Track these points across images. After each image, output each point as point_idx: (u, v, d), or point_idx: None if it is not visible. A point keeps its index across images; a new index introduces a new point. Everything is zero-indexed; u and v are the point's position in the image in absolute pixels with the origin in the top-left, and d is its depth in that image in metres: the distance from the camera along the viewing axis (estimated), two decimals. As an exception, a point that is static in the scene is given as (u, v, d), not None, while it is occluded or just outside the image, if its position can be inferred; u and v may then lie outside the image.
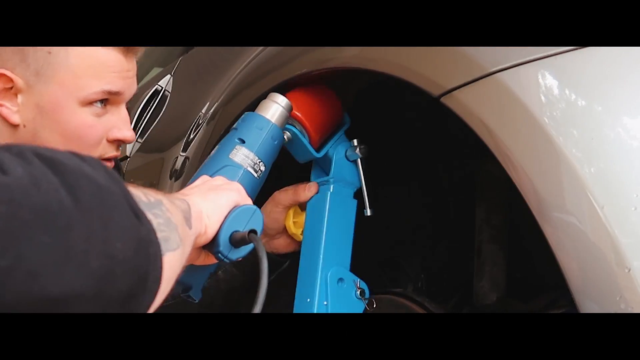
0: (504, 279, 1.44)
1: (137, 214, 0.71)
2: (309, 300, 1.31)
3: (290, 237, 1.48)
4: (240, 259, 1.07)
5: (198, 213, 0.98)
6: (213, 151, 1.30)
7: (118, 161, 1.55)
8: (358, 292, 1.35)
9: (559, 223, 0.89)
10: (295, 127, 1.35)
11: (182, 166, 1.86)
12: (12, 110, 1.19)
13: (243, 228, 1.06)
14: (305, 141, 1.36)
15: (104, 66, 1.19)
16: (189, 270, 1.10)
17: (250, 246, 1.06)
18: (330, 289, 1.32)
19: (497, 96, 0.95)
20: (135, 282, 0.69)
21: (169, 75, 2.42)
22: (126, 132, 1.27)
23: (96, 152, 1.25)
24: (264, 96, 1.44)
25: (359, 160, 1.40)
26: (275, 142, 1.30)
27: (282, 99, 1.32)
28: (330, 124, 1.41)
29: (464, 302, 1.55)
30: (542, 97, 0.91)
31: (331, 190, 1.39)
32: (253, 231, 1.05)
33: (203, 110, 1.85)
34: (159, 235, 0.74)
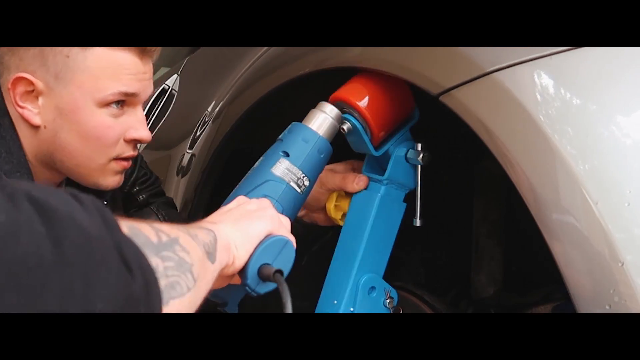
0: (501, 272, 1.44)
1: (129, 267, 0.63)
2: (335, 302, 1.24)
3: None
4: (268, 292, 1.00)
5: (225, 245, 0.92)
6: (257, 163, 1.21)
7: (140, 156, 1.54)
8: (387, 301, 1.27)
9: (554, 219, 0.89)
10: (356, 119, 1.21)
11: (188, 163, 1.86)
12: (34, 112, 1.21)
13: (273, 261, 0.98)
14: (366, 138, 1.22)
15: (121, 68, 1.20)
16: (226, 287, 1.06)
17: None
18: (360, 296, 1.24)
19: (494, 95, 0.95)
20: None
21: (175, 75, 2.41)
22: (142, 132, 1.27)
23: (114, 152, 1.25)
24: (267, 95, 1.44)
25: (419, 166, 1.26)
26: (322, 156, 1.20)
27: (331, 109, 1.21)
28: (396, 120, 1.27)
29: (462, 295, 1.55)
30: (538, 96, 0.91)
31: (382, 192, 1.27)
32: (279, 271, 0.97)
33: (209, 109, 1.85)
34: (164, 282, 0.69)
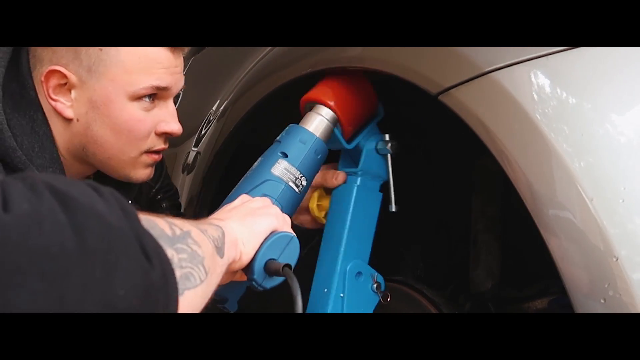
0: (499, 267, 1.44)
1: (149, 257, 0.64)
2: (325, 290, 1.27)
3: None
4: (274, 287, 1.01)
5: (233, 240, 0.93)
6: (256, 163, 1.23)
7: (165, 166, 1.54)
8: (374, 286, 1.31)
9: (550, 215, 0.89)
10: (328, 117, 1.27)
11: (193, 160, 1.86)
12: (66, 105, 1.19)
13: (279, 256, 1.00)
14: (337, 132, 1.28)
15: (153, 62, 1.19)
16: (227, 284, 1.06)
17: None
18: (348, 282, 1.27)
19: (492, 94, 0.95)
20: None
21: (181, 75, 2.41)
22: (174, 125, 1.26)
23: (145, 145, 1.24)
24: (270, 94, 1.44)
25: (389, 155, 1.33)
26: (319, 157, 1.24)
27: (327, 112, 1.25)
28: (364, 115, 1.33)
29: (461, 289, 1.55)
30: (535, 95, 0.91)
31: (358, 183, 1.32)
32: (288, 265, 0.98)
33: (213, 108, 1.85)
34: (179, 273, 0.69)
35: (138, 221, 0.65)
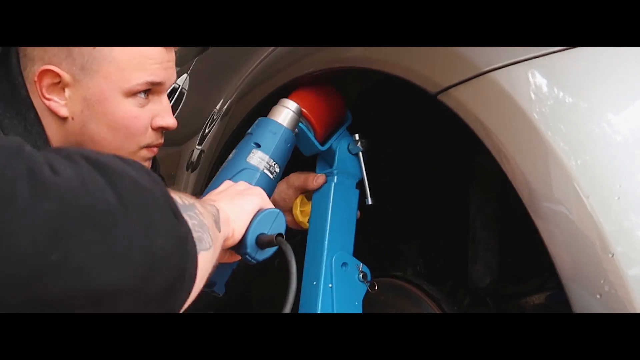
0: (497, 263, 1.44)
1: (176, 214, 0.71)
2: (315, 283, 1.31)
3: None
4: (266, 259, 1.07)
5: (226, 218, 0.98)
6: (231, 155, 1.30)
7: (156, 158, 1.54)
8: (360, 275, 1.35)
9: (547, 212, 0.89)
10: (302, 122, 1.35)
11: (197, 158, 1.86)
12: (60, 104, 1.18)
13: (268, 230, 1.06)
14: (311, 136, 1.36)
15: (146, 58, 1.18)
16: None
17: (275, 247, 1.06)
18: (335, 272, 1.32)
19: (490, 94, 0.95)
20: (174, 278, 0.69)
21: (185, 75, 2.42)
22: (169, 119, 1.26)
23: (143, 141, 1.24)
24: (273, 94, 1.45)
25: (360, 153, 1.40)
26: (288, 145, 1.31)
27: (292, 104, 1.33)
28: (334, 120, 1.41)
29: (459, 284, 1.55)
30: (532, 95, 0.91)
31: (335, 180, 1.40)
32: (280, 235, 1.04)
33: (217, 107, 1.85)
34: (195, 235, 0.74)
35: (164, 185, 0.73)
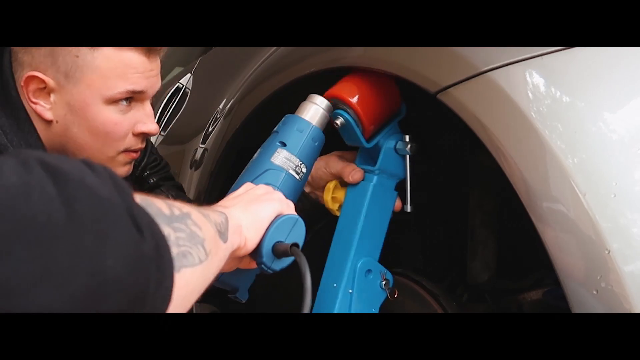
0: (495, 259, 1.44)
1: (140, 229, 0.62)
2: (335, 285, 1.25)
3: None
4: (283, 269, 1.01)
5: (237, 226, 0.92)
6: (255, 154, 1.22)
7: (150, 143, 1.54)
8: (383, 283, 1.28)
9: (545, 209, 0.89)
10: (349, 114, 1.23)
11: (201, 157, 1.86)
12: (46, 108, 1.20)
13: (285, 238, 1.00)
14: (358, 131, 1.24)
15: (128, 67, 1.19)
16: (236, 273, 1.07)
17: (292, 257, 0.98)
18: (358, 279, 1.25)
19: (488, 93, 0.95)
20: (128, 302, 0.60)
21: (189, 74, 2.42)
22: (150, 125, 1.27)
23: (122, 146, 1.25)
24: (275, 93, 1.44)
25: (407, 156, 1.30)
26: (316, 144, 1.22)
27: (321, 100, 1.23)
28: (385, 115, 1.29)
29: (458, 280, 1.55)
30: (530, 94, 0.91)
31: (374, 182, 1.29)
32: (295, 244, 0.97)
33: (220, 106, 1.85)
34: (176, 250, 0.67)
35: (130, 195, 0.64)
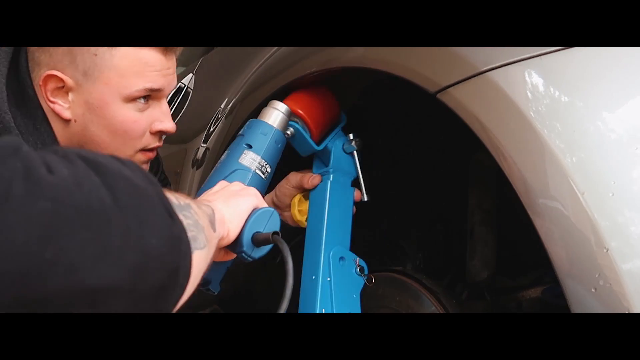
0: (494, 258, 1.45)
1: (170, 214, 0.70)
2: (314, 277, 1.31)
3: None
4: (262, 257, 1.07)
5: (221, 218, 0.98)
6: (223, 155, 1.31)
7: (161, 163, 1.55)
8: (358, 269, 1.35)
9: (544, 208, 0.89)
10: (298, 123, 1.35)
11: (203, 156, 1.86)
12: (64, 107, 1.20)
13: (263, 229, 1.07)
14: (307, 136, 1.36)
15: (146, 65, 1.19)
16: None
17: (270, 245, 1.06)
18: (333, 266, 1.32)
19: (488, 93, 0.95)
20: (167, 277, 0.68)
21: (191, 74, 2.42)
22: (167, 123, 1.27)
23: (140, 144, 1.25)
24: (276, 93, 1.45)
25: (354, 152, 1.41)
26: (279, 146, 1.32)
27: (281, 106, 1.34)
28: (328, 121, 1.42)
29: (458, 278, 1.55)
30: (529, 94, 0.91)
31: (331, 179, 1.41)
32: (276, 233, 1.05)
33: (222, 106, 1.85)
34: (189, 234, 0.74)
35: (159, 185, 0.72)
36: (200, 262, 0.78)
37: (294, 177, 1.46)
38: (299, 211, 1.46)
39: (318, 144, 1.40)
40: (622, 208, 0.83)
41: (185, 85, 2.39)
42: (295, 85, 1.39)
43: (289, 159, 1.38)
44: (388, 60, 1.14)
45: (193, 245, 0.74)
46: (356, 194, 1.43)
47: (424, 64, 1.07)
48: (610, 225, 0.83)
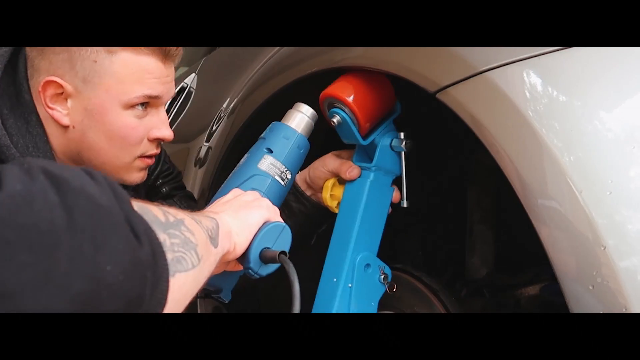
0: (493, 255, 1.45)
1: (138, 236, 0.63)
2: (335, 280, 1.26)
3: None
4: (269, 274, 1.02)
5: (227, 232, 0.93)
6: (243, 159, 1.24)
7: (163, 152, 1.54)
8: (382, 277, 1.29)
9: (542, 206, 0.89)
10: (345, 112, 1.23)
11: (205, 155, 1.86)
12: (63, 113, 1.19)
13: (272, 245, 1.01)
14: (354, 128, 1.24)
15: (145, 72, 1.19)
16: (221, 274, 1.07)
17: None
18: (357, 273, 1.26)
19: (486, 92, 0.95)
20: (125, 306, 0.61)
21: (193, 74, 2.42)
22: (165, 131, 1.26)
23: (138, 151, 1.24)
24: (278, 93, 1.44)
25: (403, 153, 1.30)
26: (301, 151, 1.24)
27: (307, 109, 1.25)
28: (380, 113, 1.29)
29: (457, 276, 1.55)
30: (527, 94, 0.91)
31: (371, 178, 1.30)
32: (283, 252, 0.99)
33: (224, 105, 1.85)
34: (171, 255, 0.69)
35: (129, 203, 0.66)
36: (186, 283, 0.72)
37: (331, 162, 1.37)
38: (332, 196, 1.36)
39: (365, 137, 1.27)
40: (619, 206, 0.83)
41: (187, 84, 2.39)
42: (342, 70, 1.28)
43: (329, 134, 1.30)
44: (388, 60, 1.14)
45: (175, 267, 0.69)
46: (395, 194, 1.33)
47: (424, 64, 1.07)
48: (607, 224, 0.83)
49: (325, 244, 1.32)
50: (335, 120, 1.23)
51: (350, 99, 1.22)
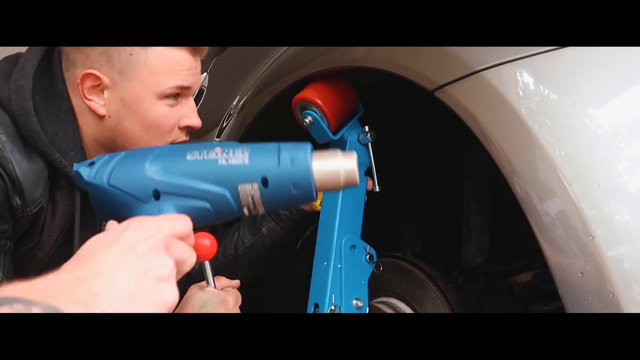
0: (488, 245, 1.45)
1: None
2: (325, 263, 1.30)
3: None
4: None
5: None
6: (246, 152, 0.93)
7: None
8: (367, 257, 1.34)
9: (534, 198, 0.89)
10: (316, 112, 1.32)
11: (216, 150, 1.86)
12: (100, 104, 1.21)
13: None
14: (325, 125, 1.33)
15: (177, 65, 1.21)
16: None
17: None
18: (344, 254, 1.31)
19: (482, 91, 0.95)
20: None
21: (205, 73, 2.42)
22: (194, 119, 1.28)
23: (169, 138, 1.26)
24: (285, 91, 1.44)
25: (369, 144, 1.38)
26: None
27: (350, 162, 0.80)
28: (346, 111, 1.39)
29: (454, 264, 1.55)
30: (520, 92, 0.91)
31: None
32: None
33: (234, 103, 1.85)
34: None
35: None
36: None
37: None
38: None
39: (335, 133, 1.37)
40: (607, 198, 0.83)
41: (200, 84, 2.39)
42: (313, 77, 1.37)
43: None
44: (389, 60, 1.14)
45: None
46: (369, 183, 1.40)
47: (423, 64, 1.07)
48: (596, 215, 0.83)
49: (311, 247, 1.37)
50: (307, 120, 1.32)
51: (319, 100, 1.32)
